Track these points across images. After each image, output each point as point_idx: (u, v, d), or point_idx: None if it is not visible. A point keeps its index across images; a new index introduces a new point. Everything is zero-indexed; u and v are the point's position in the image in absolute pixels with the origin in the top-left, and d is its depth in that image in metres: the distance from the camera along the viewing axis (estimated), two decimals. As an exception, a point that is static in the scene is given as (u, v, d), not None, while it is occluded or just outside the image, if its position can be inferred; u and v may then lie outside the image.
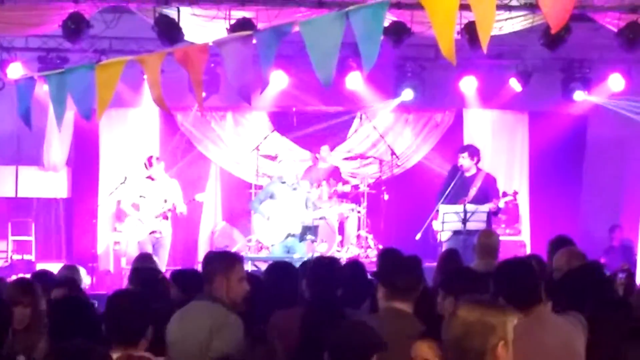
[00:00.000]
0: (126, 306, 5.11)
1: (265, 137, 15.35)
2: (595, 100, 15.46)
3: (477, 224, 12.01)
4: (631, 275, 8.21)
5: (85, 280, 9.67)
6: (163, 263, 12.65)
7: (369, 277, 7.24)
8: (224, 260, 6.05)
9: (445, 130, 16.52)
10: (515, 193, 12.96)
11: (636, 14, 12.24)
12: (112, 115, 14.97)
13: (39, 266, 11.67)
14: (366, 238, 14.61)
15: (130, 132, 15.85)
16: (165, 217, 13.30)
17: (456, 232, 12.23)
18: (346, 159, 16.16)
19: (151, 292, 6.67)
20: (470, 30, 11.48)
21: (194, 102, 14.34)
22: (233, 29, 11.56)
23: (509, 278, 5.31)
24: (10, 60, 13.82)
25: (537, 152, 16.41)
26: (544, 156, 16.33)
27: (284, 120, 15.91)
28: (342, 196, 15.00)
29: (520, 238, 15.60)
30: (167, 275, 8.04)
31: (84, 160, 15.99)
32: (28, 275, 9.21)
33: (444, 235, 12.40)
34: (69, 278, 7.84)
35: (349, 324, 5.00)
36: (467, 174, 12.66)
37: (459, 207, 12.26)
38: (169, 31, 11.82)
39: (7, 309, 5.68)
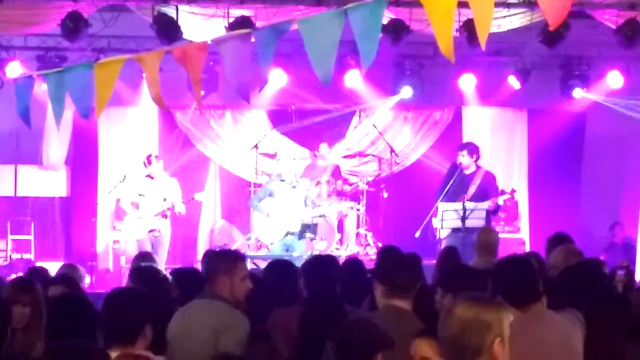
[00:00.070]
0: (123, 304, 5.11)
1: (264, 135, 15.35)
2: (593, 97, 15.45)
3: (476, 221, 12.00)
4: (630, 272, 8.22)
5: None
6: (162, 261, 12.64)
7: (369, 275, 7.24)
8: (227, 259, 6.06)
9: (444, 127, 16.51)
10: (513, 191, 12.95)
11: (635, 10, 12.24)
12: (111, 113, 14.97)
13: (38, 265, 11.64)
14: (365, 236, 14.61)
15: (129, 131, 15.85)
16: (165, 216, 13.29)
17: (455, 230, 12.22)
18: (345, 156, 16.14)
19: (153, 291, 6.66)
20: (468, 28, 11.48)
21: (193, 100, 14.35)
22: (232, 27, 11.57)
23: (507, 275, 5.31)
24: (9, 59, 13.83)
25: (536, 150, 16.41)
26: (543, 153, 16.33)
27: (282, 118, 15.90)
28: (341, 194, 15.00)
29: (519, 235, 15.59)
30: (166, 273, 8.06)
31: (83, 159, 15.99)
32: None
33: (443, 233, 12.40)
34: (67, 275, 7.84)
35: (354, 320, 4.98)
36: (467, 172, 12.66)
37: (458, 205, 12.25)
38: (168, 30, 11.83)
39: (6, 308, 5.67)
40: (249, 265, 12.33)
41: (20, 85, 6.88)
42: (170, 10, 11.95)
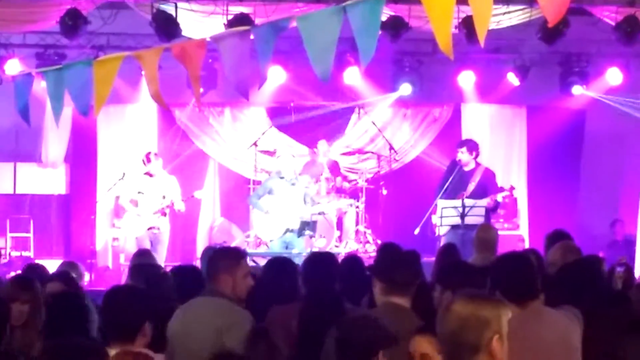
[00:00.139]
0: (123, 302, 5.11)
1: (263, 133, 15.34)
2: (593, 95, 15.45)
3: (475, 218, 11.98)
4: (630, 269, 8.22)
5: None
6: (161, 259, 12.64)
7: (368, 272, 7.24)
8: (229, 257, 6.06)
9: (444, 124, 16.51)
10: (512, 188, 12.93)
11: (634, 7, 12.26)
12: (110, 111, 14.96)
13: (36, 263, 11.64)
14: (365, 233, 14.61)
15: (128, 128, 15.85)
16: (164, 214, 13.29)
17: (454, 227, 12.21)
18: (344, 154, 16.16)
19: (153, 288, 6.67)
20: (467, 25, 11.48)
21: (192, 97, 14.34)
22: (230, 24, 11.57)
23: (506, 272, 5.31)
24: (8, 56, 13.83)
25: (535, 147, 16.41)
26: (542, 150, 16.33)
27: (282, 116, 15.90)
28: (341, 191, 15.00)
29: (518, 232, 15.59)
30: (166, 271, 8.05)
31: (82, 156, 15.98)
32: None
33: (442, 230, 12.39)
34: (64, 272, 7.84)
35: (355, 318, 4.96)
36: (466, 169, 12.65)
37: (457, 202, 12.25)
38: (167, 27, 11.83)
39: (5, 306, 5.68)
40: (249, 263, 12.36)
41: (20, 83, 6.88)
42: (169, 8, 11.95)
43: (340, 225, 14.81)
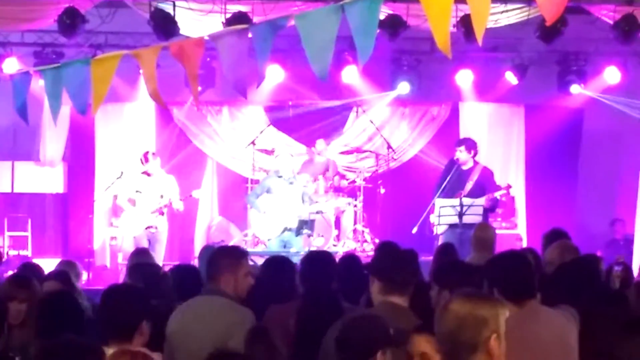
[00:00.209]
0: (120, 301, 5.10)
1: (262, 132, 15.33)
2: (590, 94, 15.45)
3: (473, 217, 11.97)
4: (628, 268, 8.21)
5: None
6: (160, 258, 12.64)
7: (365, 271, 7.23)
8: (230, 256, 6.07)
9: (442, 123, 16.52)
10: (509, 186, 12.90)
11: (632, 6, 12.26)
12: (108, 110, 14.96)
13: (35, 262, 11.63)
14: (362, 232, 14.60)
15: (126, 127, 15.84)
16: (161, 213, 13.28)
17: (452, 226, 12.20)
18: (342, 152, 16.15)
19: (152, 288, 6.66)
20: (465, 23, 11.48)
21: (190, 96, 14.34)
22: (229, 22, 11.56)
23: (505, 270, 5.31)
24: (6, 55, 13.82)
25: (533, 146, 16.41)
26: (540, 149, 16.34)
27: (280, 115, 15.90)
28: (339, 190, 15.00)
29: (516, 231, 15.59)
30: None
31: (80, 155, 15.98)
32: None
33: (440, 229, 12.38)
34: (62, 271, 7.85)
35: (356, 317, 4.93)
36: (464, 167, 12.64)
37: (455, 201, 12.24)
38: (165, 25, 11.83)
39: (2, 305, 5.68)
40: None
41: (17, 82, 6.87)
42: (167, 6, 11.95)
43: (338, 224, 14.81)
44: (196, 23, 12.19)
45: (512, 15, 12.39)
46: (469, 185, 12.48)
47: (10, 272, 10.56)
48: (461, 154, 12.62)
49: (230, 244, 13.87)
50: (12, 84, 6.88)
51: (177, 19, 11.89)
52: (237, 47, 5.74)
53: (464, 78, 15.36)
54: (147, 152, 13.57)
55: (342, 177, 15.38)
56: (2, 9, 11.87)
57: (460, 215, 12.11)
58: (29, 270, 7.79)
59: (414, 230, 12.70)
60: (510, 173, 16.08)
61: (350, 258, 8.02)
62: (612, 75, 15.13)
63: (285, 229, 13.28)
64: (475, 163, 12.74)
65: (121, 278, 12.43)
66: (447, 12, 4.47)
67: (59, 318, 5.66)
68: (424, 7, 4.51)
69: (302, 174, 14.34)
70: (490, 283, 5.28)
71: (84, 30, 12.15)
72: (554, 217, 14.65)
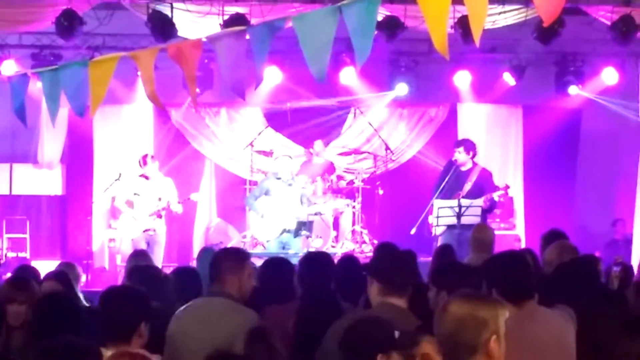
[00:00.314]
0: (118, 302, 5.10)
1: (260, 133, 15.34)
2: (588, 95, 15.45)
3: (471, 218, 11.97)
4: (627, 268, 8.22)
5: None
6: (159, 260, 12.64)
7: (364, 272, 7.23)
8: (234, 258, 6.06)
9: (439, 124, 16.52)
10: (507, 187, 12.87)
11: (629, 7, 12.25)
12: (106, 111, 14.95)
13: (34, 264, 11.64)
14: (361, 233, 14.60)
15: (124, 129, 15.83)
16: (159, 216, 13.27)
17: (451, 227, 12.20)
18: (340, 154, 16.15)
19: (154, 290, 6.66)
20: (463, 25, 11.48)
21: (188, 97, 14.36)
22: (226, 24, 11.55)
23: (504, 271, 5.31)
24: (4, 57, 13.82)
25: (531, 147, 16.42)
26: (538, 150, 16.34)
27: (278, 116, 15.91)
28: (337, 191, 15.00)
29: (514, 232, 15.59)
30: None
31: (78, 157, 15.98)
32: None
33: (438, 230, 12.38)
34: (61, 272, 7.85)
35: (359, 319, 4.89)
36: (463, 169, 12.64)
37: (453, 202, 12.23)
38: (163, 27, 11.82)
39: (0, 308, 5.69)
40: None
41: (15, 84, 6.87)
42: (164, 8, 11.94)
43: (336, 225, 14.80)
44: (194, 25, 12.18)
45: (510, 17, 12.38)
46: (467, 186, 12.48)
47: (9, 275, 10.56)
48: (460, 155, 12.63)
49: (229, 245, 13.87)
50: (10, 86, 6.87)
51: (174, 20, 11.88)
52: (234, 49, 5.74)
53: (462, 79, 15.35)
54: (146, 155, 13.57)
55: (340, 178, 15.38)
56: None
57: (459, 216, 12.11)
58: (25, 273, 7.80)
59: (413, 231, 12.70)
60: (509, 174, 16.07)
61: (349, 259, 8.03)
62: (609, 76, 15.13)
63: (284, 231, 13.29)
64: (474, 164, 12.74)
65: (120, 280, 12.42)
66: (445, 14, 4.47)
67: (54, 319, 5.66)
68: (421, 8, 4.51)
69: (300, 175, 14.34)
70: (488, 283, 5.28)
71: (81, 32, 12.14)
72: (552, 217, 14.66)
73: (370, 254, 13.00)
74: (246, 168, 15.43)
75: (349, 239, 14.62)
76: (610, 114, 15.40)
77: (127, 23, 12.86)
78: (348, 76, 14.84)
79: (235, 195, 15.84)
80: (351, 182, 15.18)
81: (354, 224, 14.78)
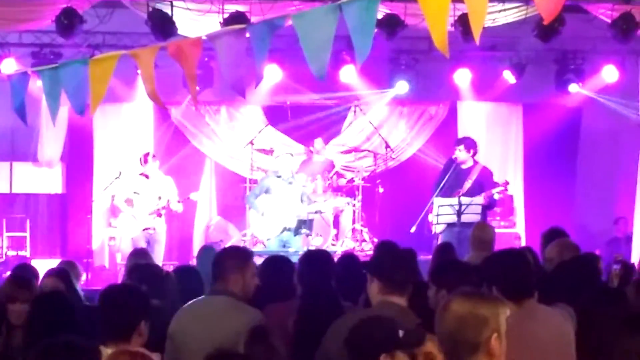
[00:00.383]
0: (118, 301, 5.10)
1: (260, 131, 15.34)
2: (588, 94, 15.44)
3: (472, 216, 11.97)
4: (628, 266, 8.22)
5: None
6: (159, 258, 12.65)
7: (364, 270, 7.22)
8: (238, 257, 6.05)
9: (440, 122, 16.53)
10: (506, 183, 12.84)
11: (629, 4, 12.25)
12: (106, 110, 14.96)
13: (34, 262, 11.64)
14: (361, 231, 14.60)
15: (125, 127, 15.83)
16: (159, 215, 13.28)
17: (450, 225, 12.20)
18: (341, 152, 16.16)
19: (156, 288, 6.66)
20: (463, 22, 11.48)
21: (188, 96, 14.36)
22: (226, 22, 11.56)
23: (503, 269, 5.31)
24: (4, 55, 13.82)
25: (531, 145, 16.42)
26: (538, 148, 16.35)
27: (278, 114, 15.91)
28: (337, 190, 15.00)
29: (514, 230, 15.59)
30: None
31: (79, 155, 15.98)
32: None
33: (438, 228, 12.38)
34: (61, 269, 7.85)
35: (365, 318, 4.87)
36: (463, 167, 12.63)
37: (453, 200, 12.23)
38: (163, 25, 11.82)
39: (0, 307, 5.69)
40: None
41: (15, 82, 6.85)
42: (164, 6, 11.94)
43: (336, 223, 14.81)
44: (194, 23, 12.18)
45: (510, 14, 12.38)
46: (467, 184, 12.47)
47: (9, 273, 10.56)
48: (460, 153, 12.62)
49: (229, 243, 13.88)
50: (10, 85, 6.86)
51: (174, 19, 11.88)
52: (234, 47, 5.73)
53: (462, 77, 15.35)
54: (147, 154, 13.58)
55: (341, 176, 15.38)
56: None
57: (459, 214, 12.11)
58: (25, 271, 7.81)
59: (413, 229, 12.69)
60: (509, 172, 16.07)
61: (349, 257, 8.02)
62: (610, 73, 15.13)
63: (285, 229, 13.29)
64: (475, 162, 12.73)
65: (120, 278, 12.42)
66: (445, 11, 4.47)
67: (51, 318, 5.66)
68: (421, 6, 4.50)
69: (300, 173, 14.34)
70: (489, 281, 5.28)
71: (81, 31, 12.15)
72: (552, 215, 14.67)
73: (371, 253, 13.01)
74: (246, 166, 15.43)
75: (349, 237, 14.62)
76: (611, 112, 15.40)
77: (127, 21, 12.87)
78: (348, 74, 14.84)
79: (235, 194, 15.84)
80: (351, 180, 15.18)
81: (354, 222, 14.78)
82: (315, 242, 13.88)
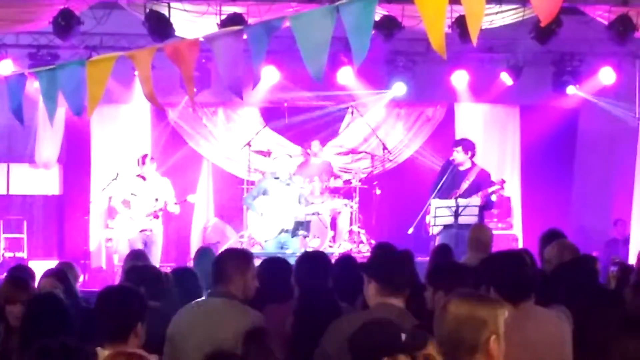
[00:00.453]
0: (115, 302, 5.10)
1: (257, 133, 15.34)
2: (584, 96, 15.45)
3: (469, 218, 11.97)
4: (626, 268, 8.22)
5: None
6: (156, 260, 12.63)
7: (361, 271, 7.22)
8: (240, 259, 6.03)
9: (437, 124, 16.54)
10: (503, 182, 12.81)
11: (626, 6, 12.26)
12: (104, 111, 14.93)
13: (31, 264, 11.64)
14: (358, 233, 14.60)
15: (122, 129, 15.82)
16: (156, 217, 13.27)
17: (448, 226, 12.19)
18: (338, 154, 16.16)
19: (155, 290, 6.65)
20: (461, 24, 11.49)
21: (185, 97, 14.36)
22: (224, 24, 11.55)
23: (502, 270, 5.30)
24: (1, 57, 13.82)
25: (528, 146, 16.43)
26: (536, 150, 16.35)
27: (275, 116, 15.90)
28: (334, 191, 15.00)
29: (512, 232, 15.60)
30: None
31: (76, 157, 15.97)
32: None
33: (435, 229, 12.37)
34: (59, 269, 7.85)
35: (369, 321, 4.85)
36: (461, 168, 12.62)
37: (451, 202, 12.22)
38: (160, 27, 11.82)
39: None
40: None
41: (12, 83, 6.86)
42: (162, 8, 11.94)
43: (334, 225, 14.80)
44: (191, 24, 12.18)
45: (507, 16, 12.38)
46: (464, 185, 12.47)
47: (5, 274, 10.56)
48: (458, 155, 12.62)
49: (226, 245, 13.88)
50: (7, 86, 6.87)
51: (172, 20, 11.88)
52: (232, 49, 5.73)
53: (459, 79, 15.36)
54: (145, 155, 13.59)
55: (338, 178, 15.38)
56: (-3, 10, 11.87)
57: (456, 215, 12.10)
58: (21, 273, 7.79)
59: (410, 231, 12.69)
60: (506, 174, 16.05)
61: (346, 259, 8.01)
62: (607, 75, 15.14)
63: (282, 231, 13.28)
64: (473, 164, 12.73)
65: (117, 280, 12.41)
66: (442, 13, 4.47)
67: (44, 320, 5.65)
68: (418, 8, 4.50)
69: (297, 176, 14.34)
70: (486, 282, 5.27)
71: (79, 32, 12.14)
72: (549, 217, 14.68)
73: (368, 254, 12.99)
74: (243, 168, 15.43)
75: (346, 239, 14.63)
76: (608, 114, 15.40)
77: (124, 23, 12.86)
78: (346, 76, 14.84)
79: (232, 195, 15.84)
80: (348, 182, 15.17)
81: (351, 223, 14.78)
82: (313, 244, 13.87)
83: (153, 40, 11.77)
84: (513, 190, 16.01)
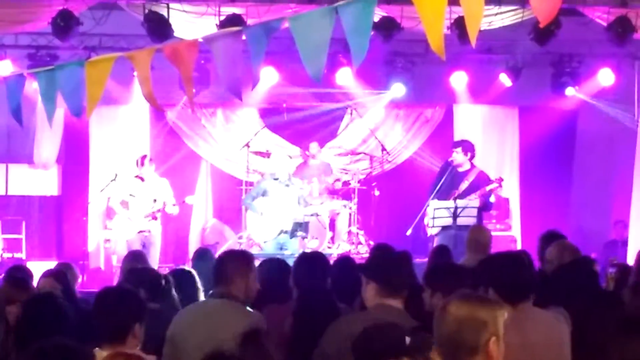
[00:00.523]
0: (113, 303, 5.10)
1: (256, 134, 15.33)
2: (583, 97, 15.45)
3: (467, 219, 11.97)
4: (625, 269, 8.21)
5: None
6: (154, 261, 12.62)
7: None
8: (241, 261, 6.03)
9: (436, 125, 16.54)
10: (500, 179, 12.80)
11: (625, 8, 12.26)
12: (102, 112, 14.92)
13: (30, 264, 11.63)
14: (357, 234, 14.59)
15: (121, 130, 15.81)
16: (155, 218, 13.26)
17: (446, 228, 12.20)
18: (337, 155, 16.15)
19: (154, 291, 6.64)
20: (460, 25, 11.48)
21: (183, 97, 14.35)
22: (223, 25, 11.56)
23: (501, 271, 5.30)
24: (0, 57, 13.80)
25: (527, 147, 16.42)
26: (534, 151, 16.35)
27: (274, 117, 15.90)
28: (333, 192, 15.00)
29: (510, 233, 15.60)
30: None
31: (74, 157, 15.96)
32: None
33: (433, 231, 12.38)
34: (59, 270, 7.84)
35: (373, 325, 4.83)
36: (460, 169, 12.63)
37: (449, 203, 12.23)
38: (159, 28, 11.82)
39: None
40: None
41: (11, 84, 6.86)
42: (161, 9, 11.94)
43: (332, 226, 14.80)
44: (190, 25, 12.18)
45: (506, 17, 12.38)
46: (463, 185, 12.48)
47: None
48: (457, 156, 12.63)
49: (225, 246, 13.88)
50: (6, 87, 6.86)
51: (171, 21, 11.88)
52: (231, 50, 5.73)
53: (458, 80, 15.35)
54: (144, 156, 13.58)
55: (337, 179, 15.38)
56: (-4, 11, 11.87)
57: (455, 216, 12.11)
58: (20, 273, 7.79)
59: (409, 232, 12.71)
60: (505, 175, 15.92)
61: (345, 260, 8.02)
62: (606, 77, 15.14)
63: (281, 231, 13.29)
64: (472, 166, 12.74)
65: (115, 280, 12.41)
66: (441, 14, 4.47)
67: (41, 321, 5.64)
68: (417, 9, 4.50)
69: (295, 177, 14.34)
70: (485, 283, 5.27)
71: (78, 33, 12.13)
72: (548, 219, 14.69)
73: (366, 255, 12.99)
74: (242, 169, 15.43)
75: (345, 240, 14.62)
76: (607, 115, 15.40)
77: (123, 23, 12.85)
78: (344, 77, 14.83)
79: (231, 196, 15.83)
80: (347, 183, 15.17)
81: (350, 225, 14.78)
82: (311, 245, 13.87)
83: (152, 41, 11.77)
84: (512, 191, 16.02)
